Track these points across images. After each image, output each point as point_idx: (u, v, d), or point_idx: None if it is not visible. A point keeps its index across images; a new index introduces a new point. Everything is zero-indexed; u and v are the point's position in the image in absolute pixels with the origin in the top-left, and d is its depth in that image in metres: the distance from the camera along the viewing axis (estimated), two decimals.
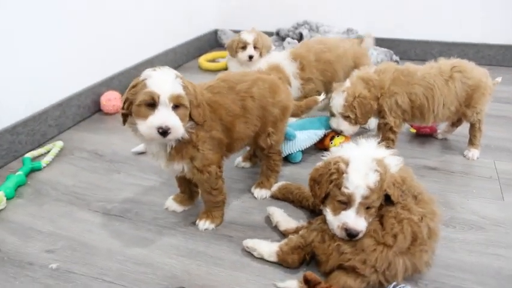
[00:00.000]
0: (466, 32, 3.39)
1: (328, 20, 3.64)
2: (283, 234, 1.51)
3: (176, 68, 3.45)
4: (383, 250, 1.22)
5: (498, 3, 3.21)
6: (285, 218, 1.55)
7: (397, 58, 3.32)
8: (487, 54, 3.40)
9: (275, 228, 1.56)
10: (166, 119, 1.28)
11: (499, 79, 2.03)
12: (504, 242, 1.48)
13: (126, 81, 2.89)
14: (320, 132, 2.07)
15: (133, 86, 1.32)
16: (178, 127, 1.31)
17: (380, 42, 3.52)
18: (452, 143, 2.19)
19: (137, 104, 1.29)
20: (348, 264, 1.24)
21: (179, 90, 1.31)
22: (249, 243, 1.44)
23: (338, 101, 1.96)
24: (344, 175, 1.26)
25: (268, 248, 1.40)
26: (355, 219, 1.25)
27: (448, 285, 1.32)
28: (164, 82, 1.29)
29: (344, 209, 1.28)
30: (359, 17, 3.61)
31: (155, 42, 3.27)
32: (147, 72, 1.32)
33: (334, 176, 1.29)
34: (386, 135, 1.98)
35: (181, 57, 3.60)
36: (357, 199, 1.25)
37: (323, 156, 1.43)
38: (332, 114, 2.05)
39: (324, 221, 1.34)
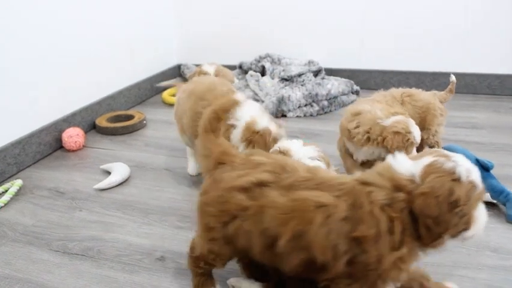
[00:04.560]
0: (422, 62, 3.55)
1: (290, 53, 3.74)
2: None
3: (140, 103, 3.44)
4: None
5: (451, 34, 3.39)
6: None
7: (357, 88, 3.41)
8: (443, 82, 3.53)
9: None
10: None
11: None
12: (468, 263, 1.51)
13: (89, 117, 2.85)
14: None
15: None
16: None
17: (341, 72, 3.64)
18: None
19: None
20: None
21: None
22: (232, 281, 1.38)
23: None
24: None
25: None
26: None
27: None
28: None
29: None
30: (320, 49, 3.73)
31: (118, 77, 3.25)
32: None
33: None
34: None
35: (145, 92, 3.59)
36: None
37: None
38: None
39: None
